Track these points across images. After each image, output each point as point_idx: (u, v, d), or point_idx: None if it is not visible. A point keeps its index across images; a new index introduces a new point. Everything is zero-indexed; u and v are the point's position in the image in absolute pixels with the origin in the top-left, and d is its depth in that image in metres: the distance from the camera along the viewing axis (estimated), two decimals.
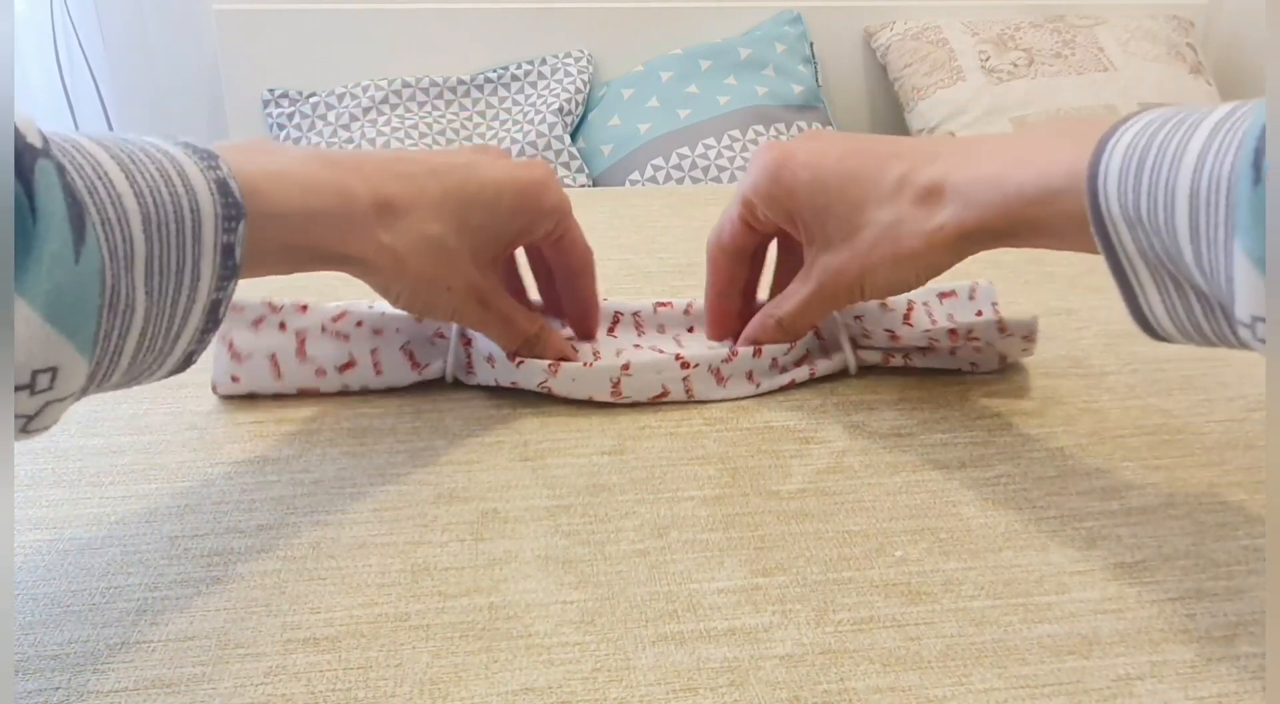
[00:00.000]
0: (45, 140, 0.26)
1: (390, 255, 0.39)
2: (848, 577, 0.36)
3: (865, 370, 0.50)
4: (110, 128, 1.79)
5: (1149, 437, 0.45)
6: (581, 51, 1.84)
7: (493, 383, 0.48)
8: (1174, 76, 1.80)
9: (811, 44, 1.88)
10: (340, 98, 1.74)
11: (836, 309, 0.48)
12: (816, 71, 1.87)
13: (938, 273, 0.43)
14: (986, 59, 1.80)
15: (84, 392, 0.29)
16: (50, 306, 0.26)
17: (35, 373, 0.26)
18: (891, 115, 1.96)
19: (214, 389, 0.47)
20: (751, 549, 0.37)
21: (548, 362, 0.46)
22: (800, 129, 1.77)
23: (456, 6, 1.81)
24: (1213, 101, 1.81)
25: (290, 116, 1.75)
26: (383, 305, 0.48)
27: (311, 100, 1.74)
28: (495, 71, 1.82)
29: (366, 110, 1.72)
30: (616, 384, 0.47)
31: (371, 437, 0.44)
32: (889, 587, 0.35)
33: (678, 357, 0.47)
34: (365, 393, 0.48)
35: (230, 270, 0.32)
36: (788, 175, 0.43)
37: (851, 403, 0.48)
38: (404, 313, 0.47)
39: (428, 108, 1.76)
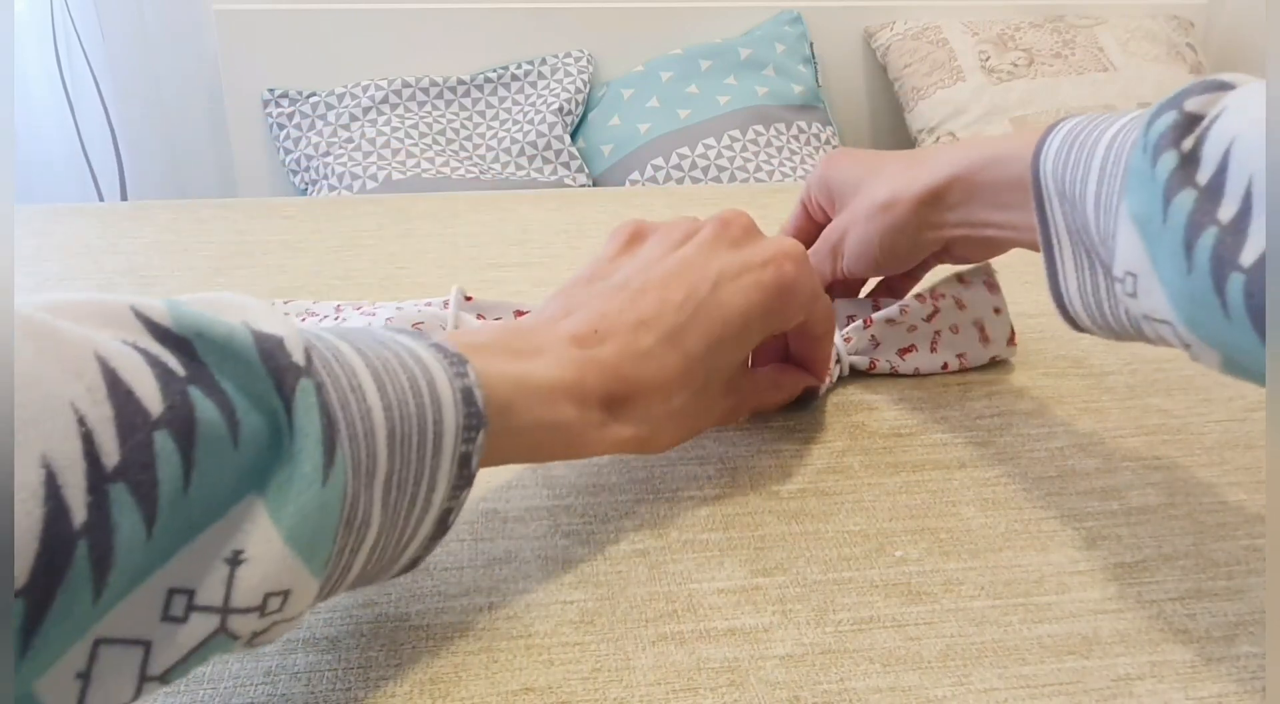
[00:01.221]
0: (308, 357, 0.26)
1: (634, 443, 0.36)
2: (848, 577, 0.36)
3: (859, 371, 0.50)
4: (111, 129, 1.79)
5: (1149, 437, 0.45)
6: (581, 51, 1.84)
7: None
8: (1174, 76, 1.80)
9: (811, 44, 1.88)
10: (340, 98, 1.74)
11: (822, 273, 0.50)
12: (816, 71, 1.87)
13: (897, 240, 0.46)
14: (986, 59, 1.80)
15: (311, 606, 0.28)
16: (293, 529, 0.25)
17: (268, 596, 0.25)
18: (891, 115, 1.96)
19: None
20: (751, 549, 0.37)
21: None
22: (800, 129, 1.77)
23: (456, 6, 1.81)
24: None
25: (290, 116, 1.75)
26: (378, 307, 0.48)
27: (311, 100, 1.74)
28: (495, 71, 1.82)
29: (366, 110, 1.72)
30: None
31: None
32: (889, 587, 0.35)
33: None
34: None
35: (465, 480, 0.30)
36: (835, 160, 0.50)
37: (851, 403, 0.48)
38: (393, 310, 0.48)
39: (428, 108, 1.76)
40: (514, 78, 1.82)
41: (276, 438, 0.25)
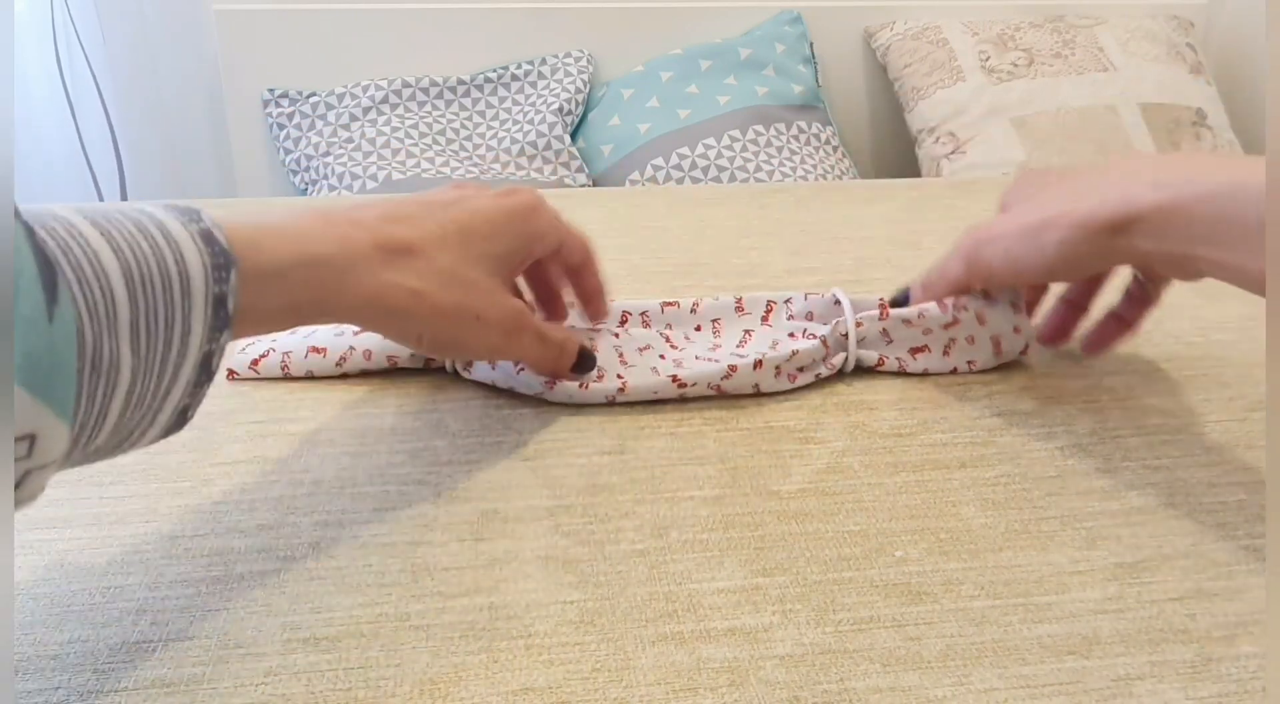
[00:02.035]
0: (15, 209, 0.26)
1: (407, 293, 0.38)
2: (848, 577, 0.36)
3: (859, 371, 0.50)
4: (111, 128, 1.79)
5: (1149, 437, 0.45)
6: (581, 51, 1.84)
7: (490, 382, 0.48)
8: (1174, 76, 1.80)
9: (811, 44, 1.88)
10: (340, 98, 1.74)
11: (955, 272, 0.47)
12: (816, 71, 1.87)
13: (1075, 255, 0.42)
14: (986, 59, 1.80)
15: (68, 457, 0.28)
16: (24, 371, 0.25)
17: (15, 440, 0.25)
18: (891, 115, 1.96)
19: (230, 374, 0.49)
20: (751, 549, 0.37)
21: (544, 379, 0.47)
22: (800, 129, 1.77)
23: (456, 6, 1.80)
24: (1212, 101, 1.81)
25: (290, 116, 1.75)
26: None
27: (311, 100, 1.74)
28: (495, 71, 1.82)
29: (366, 110, 1.72)
30: (612, 401, 0.47)
31: (371, 437, 0.44)
32: (889, 587, 0.35)
33: (674, 378, 0.47)
34: (366, 390, 0.48)
35: (223, 321, 0.31)
36: (1028, 175, 0.48)
37: (851, 403, 0.48)
38: None
39: (428, 108, 1.75)
40: (514, 78, 1.82)
41: None
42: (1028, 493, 0.41)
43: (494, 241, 0.42)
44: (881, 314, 0.49)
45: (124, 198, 1.82)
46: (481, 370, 0.48)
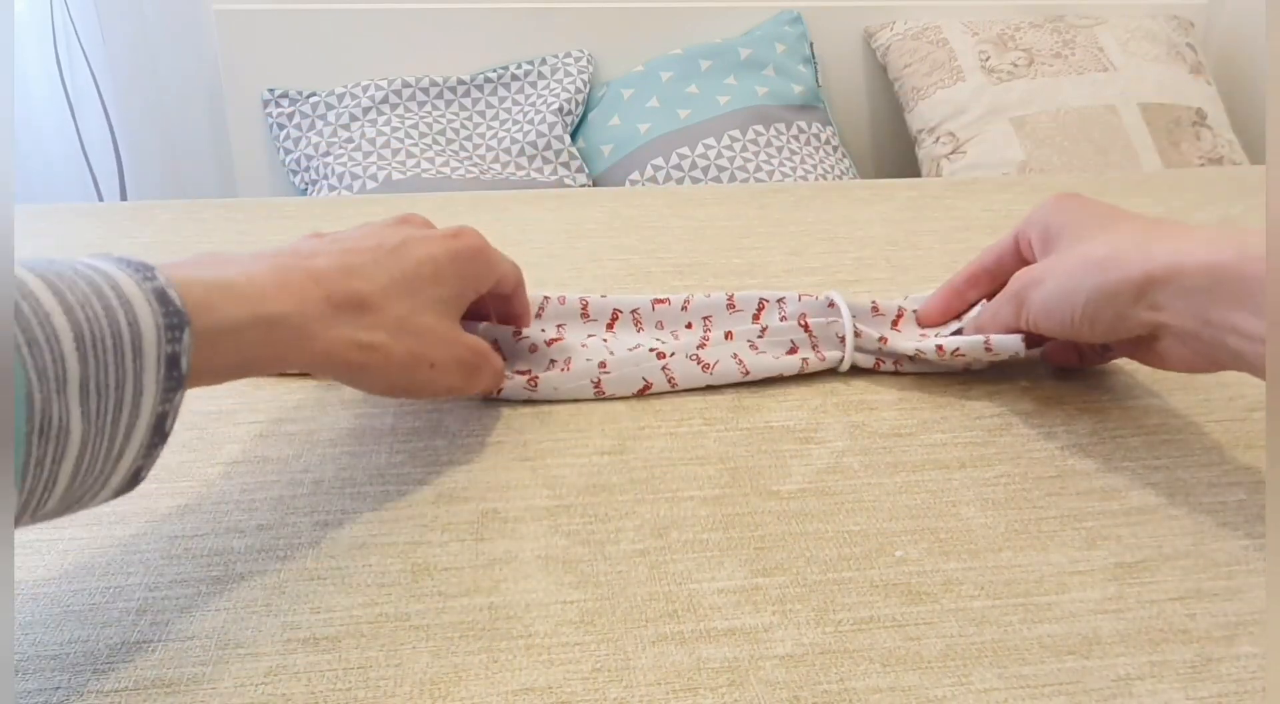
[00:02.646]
0: None
1: (361, 348, 0.38)
2: (848, 577, 0.36)
3: (859, 371, 0.50)
4: (111, 128, 1.79)
5: (1149, 437, 0.45)
6: (581, 51, 1.84)
7: None
8: (1174, 76, 1.80)
9: (811, 44, 1.88)
10: (340, 98, 1.74)
11: (1002, 318, 0.46)
12: (816, 71, 1.87)
13: (1102, 307, 0.40)
14: (986, 59, 1.80)
15: (16, 522, 0.28)
16: None
17: None
18: (891, 115, 1.96)
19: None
20: (751, 549, 0.37)
21: (526, 378, 0.47)
22: (800, 129, 1.77)
23: (456, 6, 1.80)
24: (1212, 101, 1.81)
25: (290, 116, 1.75)
26: None
27: (311, 100, 1.74)
28: (495, 71, 1.82)
29: (366, 110, 1.72)
30: (598, 384, 0.47)
31: (371, 437, 0.44)
32: (889, 587, 0.35)
33: (652, 349, 0.48)
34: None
35: (176, 381, 0.31)
36: (1064, 201, 0.46)
37: (851, 403, 0.48)
38: None
39: (428, 108, 1.76)
40: (514, 78, 1.82)
41: None
42: (1028, 493, 0.41)
43: (442, 286, 0.42)
44: (882, 340, 0.49)
45: (124, 198, 1.82)
46: None
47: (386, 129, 1.70)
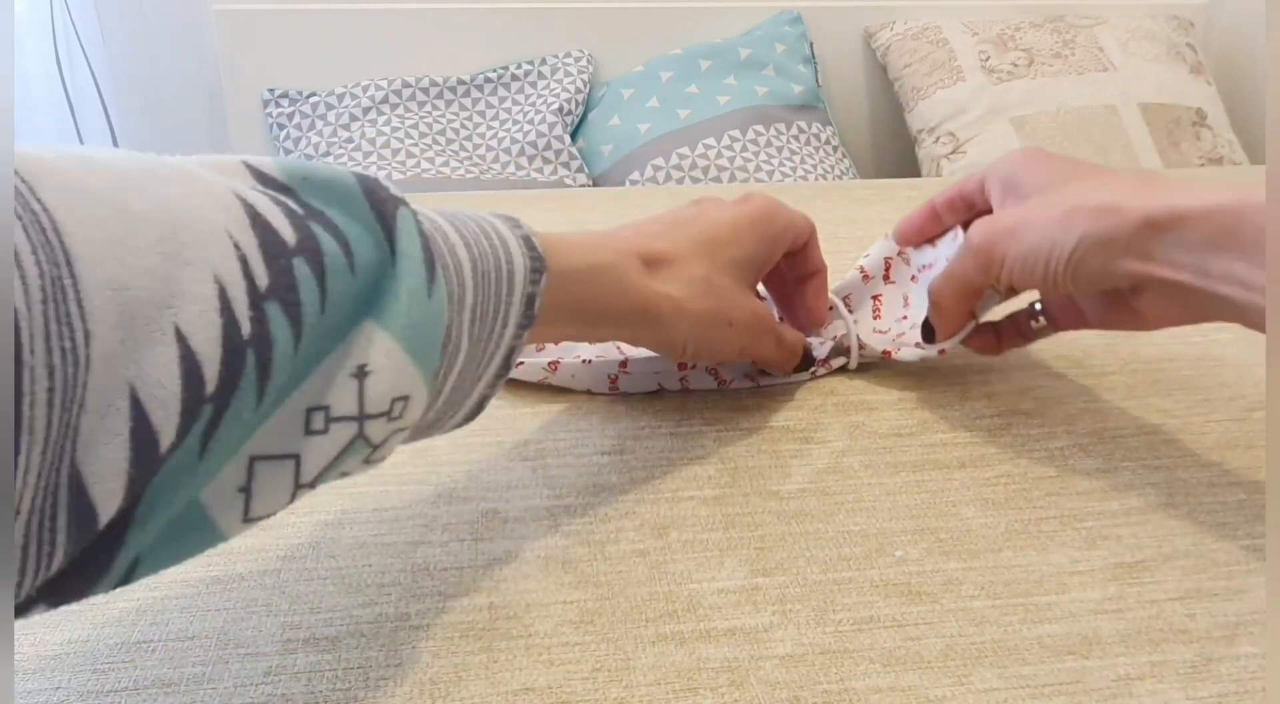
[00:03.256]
0: (402, 194, 0.29)
1: (669, 302, 0.40)
2: (848, 577, 0.36)
3: (859, 371, 0.50)
4: (111, 129, 1.79)
5: (1149, 436, 0.45)
6: (581, 51, 1.84)
7: None
8: (1174, 76, 1.80)
9: (811, 44, 1.88)
10: (340, 98, 1.74)
11: (969, 276, 0.44)
12: (816, 71, 1.87)
13: (1096, 261, 0.38)
14: (986, 59, 1.80)
15: (414, 429, 0.31)
16: (410, 338, 0.28)
17: (394, 400, 0.28)
18: (891, 115, 1.96)
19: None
20: (751, 549, 0.37)
21: (547, 361, 0.47)
22: (800, 129, 1.77)
23: (456, 6, 1.80)
24: (1212, 101, 1.81)
25: (290, 116, 1.75)
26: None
27: (311, 100, 1.74)
28: (495, 71, 1.82)
29: (366, 110, 1.72)
30: (614, 380, 0.47)
31: None
32: (889, 587, 0.35)
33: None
34: None
35: (529, 320, 0.34)
36: (1034, 157, 0.45)
37: (851, 403, 0.48)
38: None
39: (428, 108, 1.75)
40: (514, 78, 1.82)
41: (384, 263, 0.28)
42: (1028, 493, 0.41)
43: (738, 247, 0.43)
44: (885, 354, 0.49)
45: None
46: None
47: (386, 129, 1.70)
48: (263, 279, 0.24)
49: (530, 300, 0.33)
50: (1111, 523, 0.39)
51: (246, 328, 0.24)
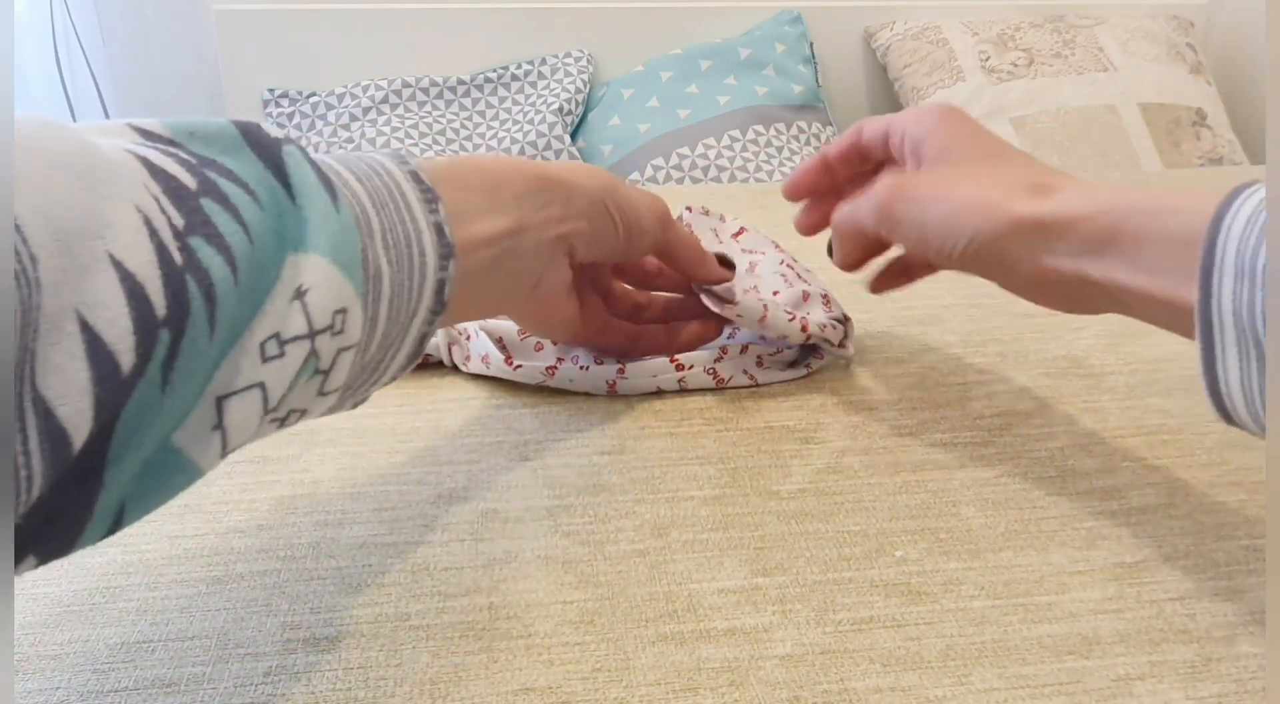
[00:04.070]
0: (285, 135, 0.30)
1: (567, 170, 0.41)
2: (848, 577, 0.36)
3: (859, 371, 0.50)
4: None
5: (1149, 436, 0.45)
6: (581, 51, 1.84)
7: (488, 374, 0.49)
8: (1174, 76, 1.80)
9: (811, 44, 1.88)
10: (340, 98, 1.74)
11: (863, 220, 0.43)
12: (816, 71, 1.87)
13: (987, 253, 0.39)
14: (986, 59, 1.80)
15: (363, 366, 0.32)
16: (333, 250, 0.28)
17: (334, 313, 0.28)
18: None
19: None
20: (751, 549, 0.37)
21: (545, 365, 0.47)
22: (800, 129, 1.77)
23: (456, 6, 1.80)
24: (1212, 101, 1.81)
25: (290, 116, 1.75)
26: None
27: (311, 100, 1.74)
28: (495, 71, 1.82)
29: (366, 110, 1.72)
30: (612, 385, 0.47)
31: (371, 436, 0.44)
32: (889, 587, 0.35)
33: (672, 360, 0.48)
34: None
35: (446, 249, 0.34)
36: (956, 118, 0.44)
37: (851, 403, 0.48)
38: None
39: (428, 108, 1.76)
40: (514, 78, 1.82)
41: (284, 202, 0.28)
42: (1028, 493, 0.41)
43: (575, 197, 0.43)
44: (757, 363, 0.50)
45: None
46: (476, 363, 0.48)
47: (386, 129, 1.70)
48: (177, 219, 0.25)
49: (439, 229, 0.34)
50: (1111, 523, 0.39)
51: (178, 258, 0.24)
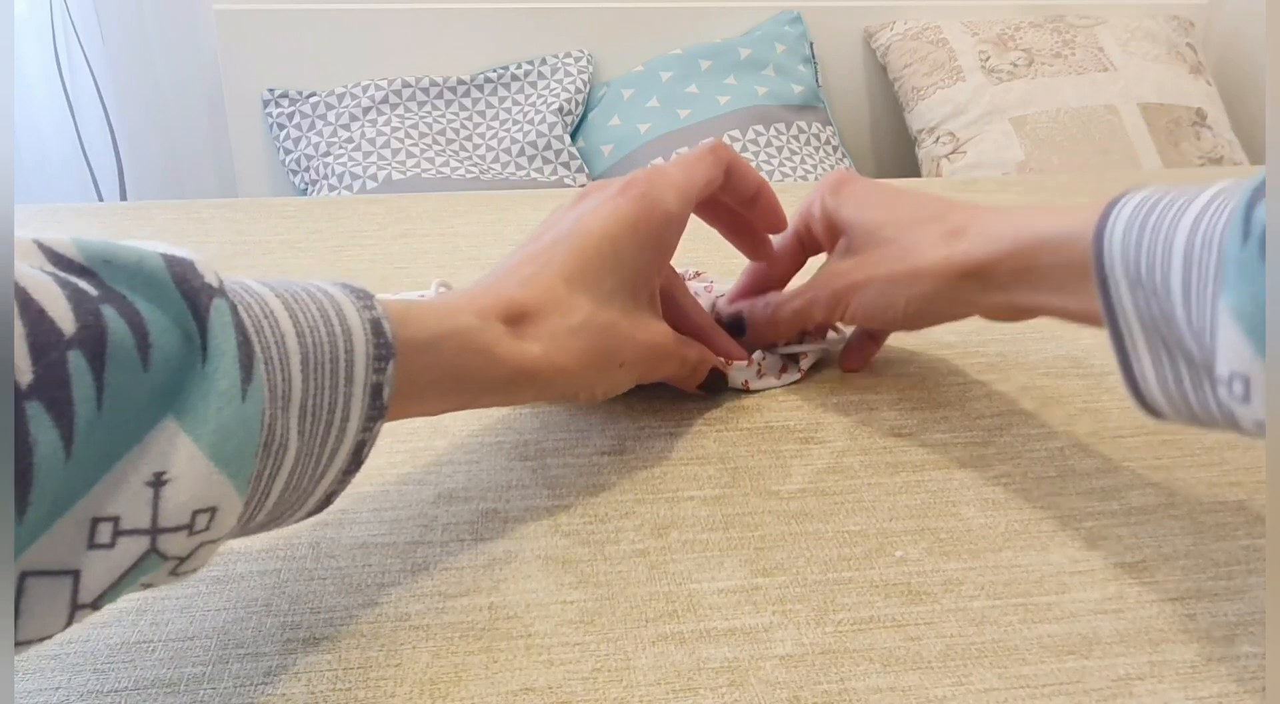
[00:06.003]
0: (220, 281, 0.27)
1: (544, 361, 0.37)
2: (848, 577, 0.36)
3: (859, 371, 0.50)
4: (111, 129, 1.79)
5: (1149, 436, 0.45)
6: (581, 51, 1.84)
7: None
8: (1174, 76, 1.80)
9: (811, 44, 1.88)
10: (340, 98, 1.74)
11: (815, 318, 0.47)
12: (816, 71, 1.87)
13: (928, 309, 0.44)
14: (986, 59, 1.80)
15: (232, 533, 0.28)
16: (215, 446, 0.25)
17: (195, 513, 0.25)
18: (891, 115, 1.96)
19: None
20: (751, 549, 0.37)
21: None
22: (800, 129, 1.77)
23: (456, 6, 1.81)
24: (1212, 101, 1.81)
25: (290, 116, 1.75)
26: None
27: (311, 100, 1.74)
28: (495, 71, 1.82)
29: (366, 110, 1.72)
30: (746, 385, 0.48)
31: None
32: (889, 587, 0.35)
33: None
34: None
35: (378, 410, 0.31)
36: (847, 194, 0.47)
37: (851, 403, 0.48)
38: None
39: (428, 108, 1.76)
40: (514, 78, 1.82)
41: (191, 359, 0.25)
42: (1028, 493, 0.41)
43: (619, 269, 0.40)
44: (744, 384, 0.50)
45: (123, 198, 1.82)
46: None
47: (386, 129, 1.70)
48: (25, 376, 0.22)
49: (377, 390, 0.31)
50: (1111, 523, 0.39)
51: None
